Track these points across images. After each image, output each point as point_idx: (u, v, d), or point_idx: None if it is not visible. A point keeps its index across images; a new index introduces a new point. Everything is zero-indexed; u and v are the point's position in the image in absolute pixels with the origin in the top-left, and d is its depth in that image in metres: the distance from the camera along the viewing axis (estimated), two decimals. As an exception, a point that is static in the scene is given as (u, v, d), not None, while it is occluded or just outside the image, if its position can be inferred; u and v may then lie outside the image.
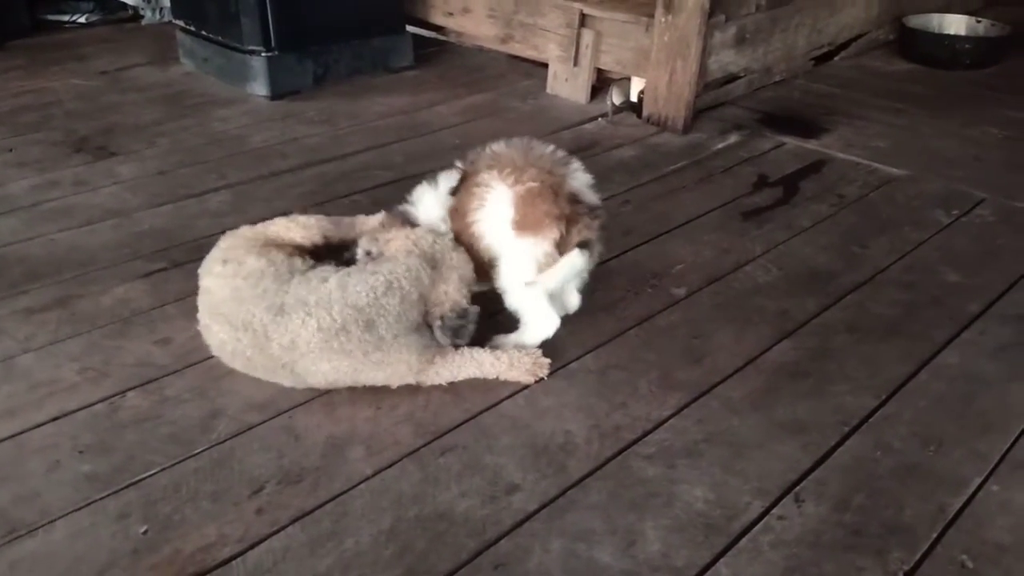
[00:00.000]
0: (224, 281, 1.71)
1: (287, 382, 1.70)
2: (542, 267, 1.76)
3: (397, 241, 1.81)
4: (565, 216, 1.74)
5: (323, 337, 1.61)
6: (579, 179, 1.81)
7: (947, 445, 1.66)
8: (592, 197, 1.82)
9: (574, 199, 1.77)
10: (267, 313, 1.64)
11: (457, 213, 1.87)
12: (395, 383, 1.71)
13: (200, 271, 1.81)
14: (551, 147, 1.84)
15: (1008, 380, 1.84)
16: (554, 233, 1.74)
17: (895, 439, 1.67)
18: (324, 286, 1.66)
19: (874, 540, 1.44)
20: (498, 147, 1.84)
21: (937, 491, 1.55)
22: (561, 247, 1.75)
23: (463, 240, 1.86)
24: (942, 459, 1.62)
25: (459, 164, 1.90)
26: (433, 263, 1.76)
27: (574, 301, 1.97)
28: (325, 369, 1.65)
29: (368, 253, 1.82)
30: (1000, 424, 1.72)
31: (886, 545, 1.43)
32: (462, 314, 1.76)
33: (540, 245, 1.75)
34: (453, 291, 1.76)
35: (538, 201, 1.74)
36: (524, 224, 1.75)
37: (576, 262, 1.75)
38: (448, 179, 1.91)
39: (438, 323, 1.75)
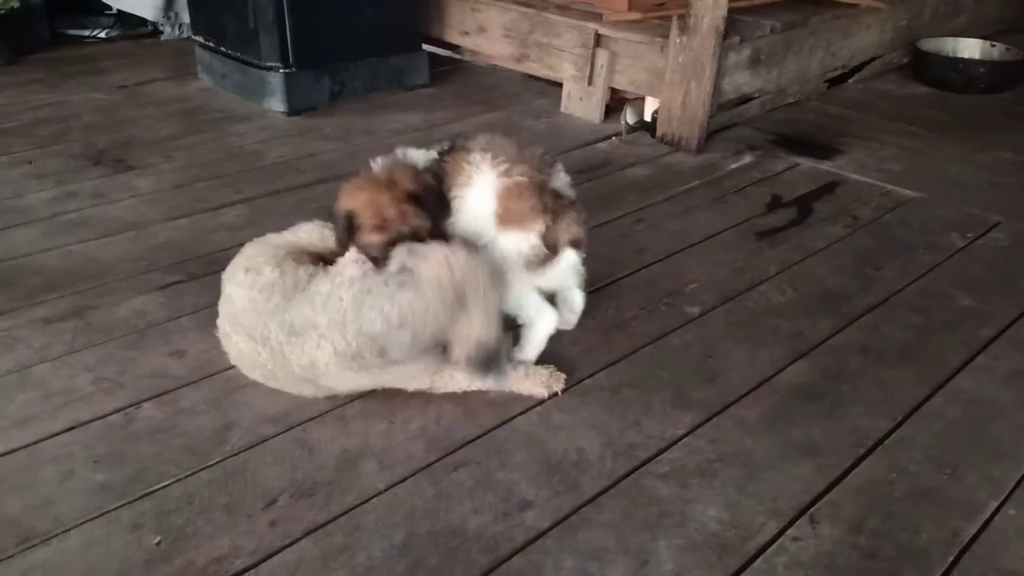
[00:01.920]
0: (243, 291, 1.72)
1: (309, 392, 1.72)
2: (529, 261, 1.78)
3: (431, 264, 1.63)
4: (549, 210, 1.76)
5: (339, 360, 1.62)
6: (561, 179, 1.84)
7: (962, 469, 1.65)
8: (571, 193, 1.84)
9: (557, 195, 1.79)
10: (280, 331, 1.63)
11: (438, 177, 1.86)
12: (412, 386, 1.73)
13: (224, 276, 1.81)
14: (541, 149, 1.87)
15: (1022, 407, 1.83)
16: (539, 226, 1.76)
17: (910, 462, 1.66)
18: (339, 305, 1.61)
19: (889, 563, 1.43)
20: (497, 137, 1.87)
21: (952, 515, 1.54)
22: (548, 240, 1.77)
23: None
24: (957, 483, 1.61)
25: (454, 140, 1.90)
26: (461, 296, 1.61)
27: (578, 300, 1.97)
28: (346, 380, 1.68)
29: (403, 267, 1.67)
30: (1014, 450, 1.71)
31: (901, 569, 1.42)
32: (488, 353, 1.64)
33: (526, 239, 1.76)
34: (477, 326, 1.62)
35: (525, 195, 1.76)
36: (508, 218, 1.77)
37: (571, 259, 1.80)
38: (439, 146, 1.91)
39: (465, 360, 1.65)
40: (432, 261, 1.63)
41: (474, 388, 1.76)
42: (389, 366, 1.66)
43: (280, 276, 1.71)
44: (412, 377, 1.72)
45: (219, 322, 1.78)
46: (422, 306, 1.60)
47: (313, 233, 1.89)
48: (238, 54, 3.38)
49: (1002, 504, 1.56)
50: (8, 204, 2.53)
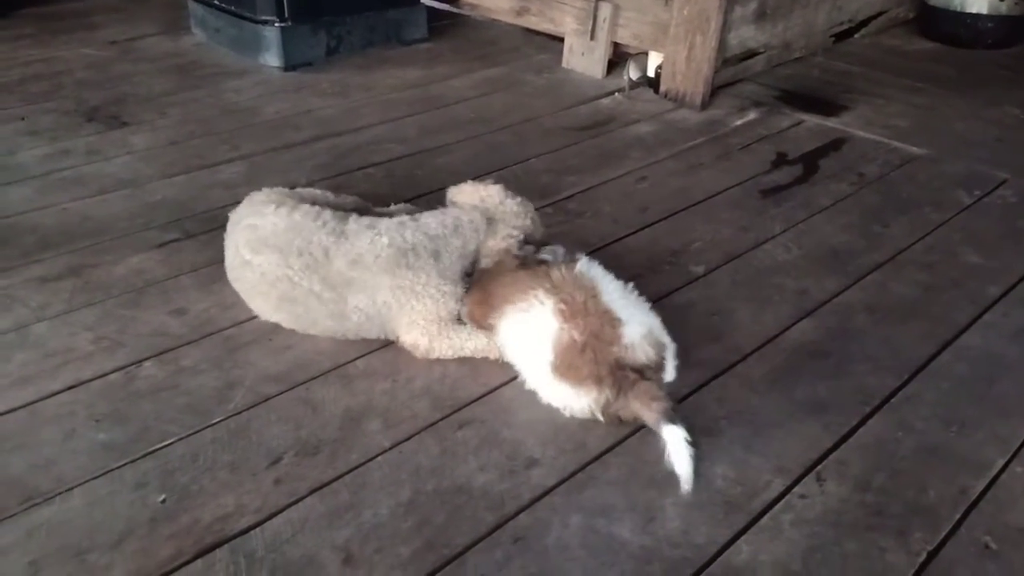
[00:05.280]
0: (278, 218, 1.76)
1: (320, 311, 1.72)
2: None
3: (465, 195, 1.91)
4: (610, 377, 1.53)
5: (394, 252, 1.70)
6: (633, 334, 1.57)
7: (969, 427, 1.64)
8: (650, 352, 1.57)
9: (621, 365, 1.54)
10: (329, 236, 1.72)
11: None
12: (412, 336, 1.73)
13: (237, 215, 1.85)
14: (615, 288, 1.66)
15: (1031, 362, 1.82)
16: (593, 394, 1.55)
17: (917, 420, 1.65)
18: (392, 219, 1.78)
19: (896, 520, 1.43)
20: (575, 268, 1.68)
21: (959, 473, 1.53)
22: (607, 409, 1.56)
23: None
24: (964, 441, 1.61)
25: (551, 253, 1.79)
26: (491, 217, 1.85)
27: None
28: (386, 285, 1.69)
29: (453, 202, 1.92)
30: (1021, 407, 1.70)
31: (908, 526, 1.42)
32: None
33: (582, 398, 1.56)
34: (499, 242, 1.83)
35: (586, 353, 1.55)
36: (563, 372, 1.57)
37: None
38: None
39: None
40: (465, 192, 1.91)
41: (466, 351, 1.74)
42: (436, 275, 1.72)
43: (324, 208, 1.81)
44: (423, 316, 1.72)
45: (234, 256, 1.80)
46: (467, 219, 1.81)
47: (321, 193, 1.97)
48: (232, 8, 3.30)
49: (1009, 461, 1.56)
50: (1, 162, 2.49)
